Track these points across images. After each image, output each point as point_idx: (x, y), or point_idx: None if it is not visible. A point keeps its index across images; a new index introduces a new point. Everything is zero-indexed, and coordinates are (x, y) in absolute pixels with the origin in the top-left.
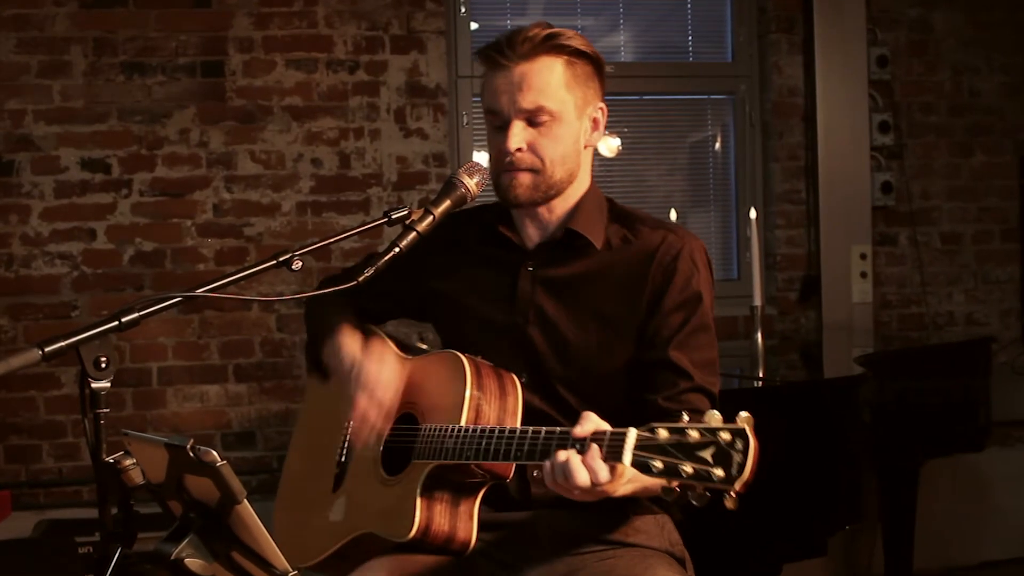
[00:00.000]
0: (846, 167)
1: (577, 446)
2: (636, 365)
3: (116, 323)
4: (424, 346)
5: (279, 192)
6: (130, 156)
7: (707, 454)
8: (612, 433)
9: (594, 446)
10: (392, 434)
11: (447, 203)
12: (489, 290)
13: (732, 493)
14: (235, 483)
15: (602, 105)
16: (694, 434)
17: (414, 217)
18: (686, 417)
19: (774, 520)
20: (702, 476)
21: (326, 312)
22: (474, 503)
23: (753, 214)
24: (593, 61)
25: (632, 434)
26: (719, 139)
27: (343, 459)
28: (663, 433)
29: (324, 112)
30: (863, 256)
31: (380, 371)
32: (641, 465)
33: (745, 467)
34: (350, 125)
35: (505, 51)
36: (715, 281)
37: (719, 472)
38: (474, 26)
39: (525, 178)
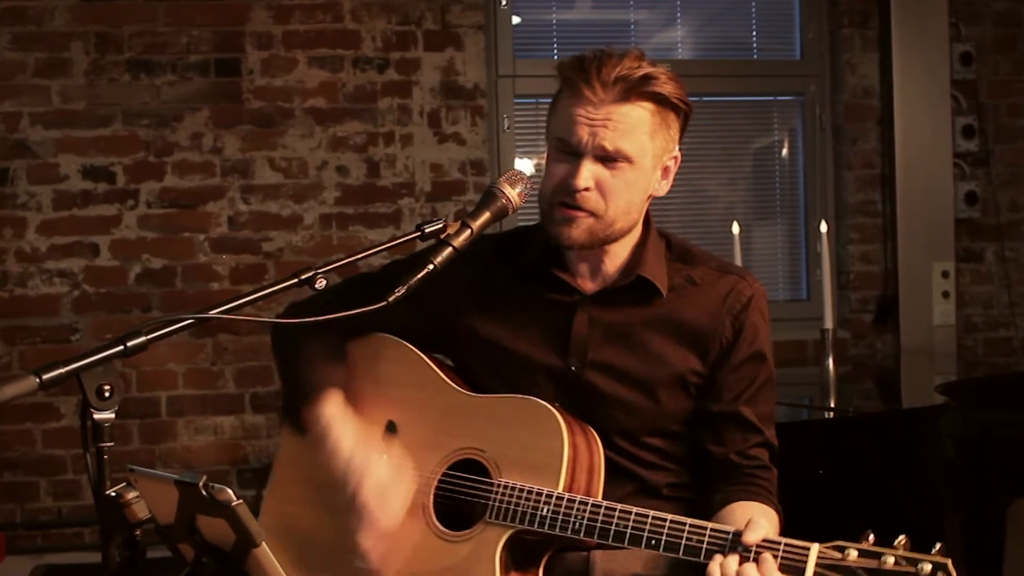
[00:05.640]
0: (926, 176)
1: (744, 551)
2: (703, 415)
3: (121, 348)
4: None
5: (301, 203)
6: (136, 164)
7: None
8: (788, 545)
9: (768, 557)
10: (446, 481)
11: (486, 215)
12: (539, 333)
13: None
14: (252, 524)
15: (676, 154)
16: (890, 560)
17: (450, 231)
18: (872, 538)
19: None
20: None
21: (306, 358)
22: (540, 566)
23: (824, 228)
24: (681, 111)
25: (814, 550)
26: (786, 144)
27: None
28: (853, 555)
29: (350, 115)
30: (945, 274)
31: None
32: None
33: None
34: (379, 129)
35: (594, 83)
36: (783, 302)
37: None
38: (516, 20)
39: (584, 222)
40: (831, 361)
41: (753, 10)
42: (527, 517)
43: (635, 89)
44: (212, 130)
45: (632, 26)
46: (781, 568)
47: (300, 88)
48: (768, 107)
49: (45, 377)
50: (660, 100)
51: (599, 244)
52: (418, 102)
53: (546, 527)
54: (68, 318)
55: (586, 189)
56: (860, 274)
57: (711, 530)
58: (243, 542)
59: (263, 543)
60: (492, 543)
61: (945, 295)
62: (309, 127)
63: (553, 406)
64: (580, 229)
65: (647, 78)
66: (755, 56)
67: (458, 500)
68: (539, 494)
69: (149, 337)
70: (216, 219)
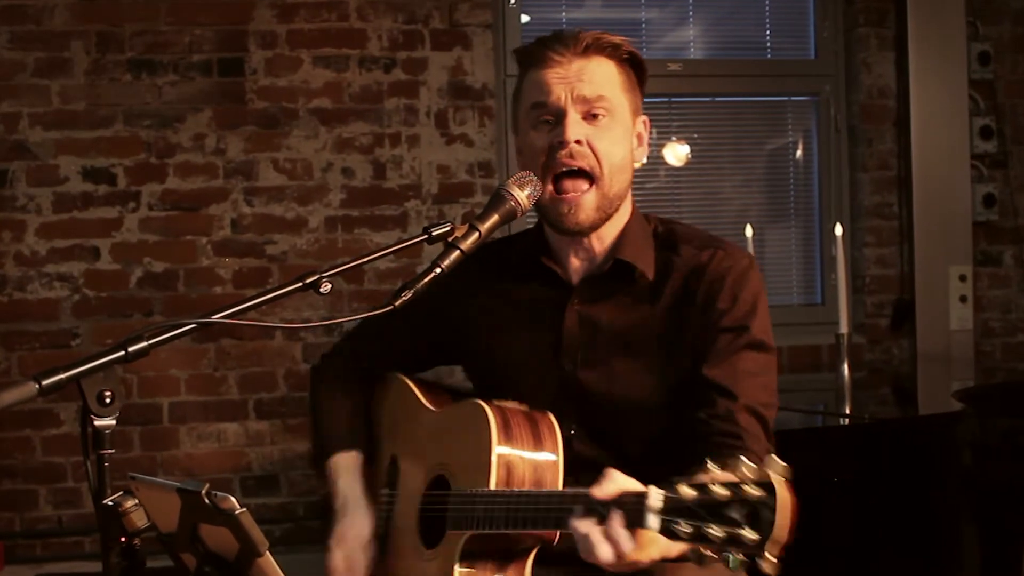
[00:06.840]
0: (943, 178)
1: (600, 510)
2: (686, 386)
3: (122, 353)
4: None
5: (305, 206)
6: (138, 165)
7: (737, 514)
8: (634, 495)
9: (615, 514)
10: (427, 500)
11: (495, 218)
12: (530, 332)
13: (769, 557)
14: (256, 533)
15: (646, 118)
16: (720, 491)
17: (457, 234)
18: (712, 468)
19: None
20: (734, 540)
21: (326, 417)
22: (523, 569)
23: (839, 230)
24: (640, 70)
25: (655, 495)
26: (801, 146)
27: (382, 530)
28: (686, 491)
29: (356, 116)
30: (962, 278)
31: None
32: (668, 531)
33: (775, 527)
34: (385, 130)
35: (557, 47)
36: (797, 306)
37: (751, 535)
38: (525, 19)
39: (587, 200)
40: (846, 367)
41: (766, 8)
42: (471, 521)
43: (594, 46)
44: (215, 131)
45: (643, 25)
46: (629, 521)
47: (305, 88)
48: (782, 108)
49: (45, 383)
50: (619, 56)
51: (604, 219)
52: (425, 102)
53: (482, 527)
54: (68, 323)
55: (577, 142)
56: (876, 278)
57: (575, 497)
58: (247, 551)
59: (267, 552)
60: (451, 555)
61: (962, 299)
62: (314, 128)
63: (489, 403)
64: (585, 208)
65: (599, 37)
66: (768, 55)
67: (439, 517)
68: (474, 495)
69: (151, 342)
70: (219, 222)
